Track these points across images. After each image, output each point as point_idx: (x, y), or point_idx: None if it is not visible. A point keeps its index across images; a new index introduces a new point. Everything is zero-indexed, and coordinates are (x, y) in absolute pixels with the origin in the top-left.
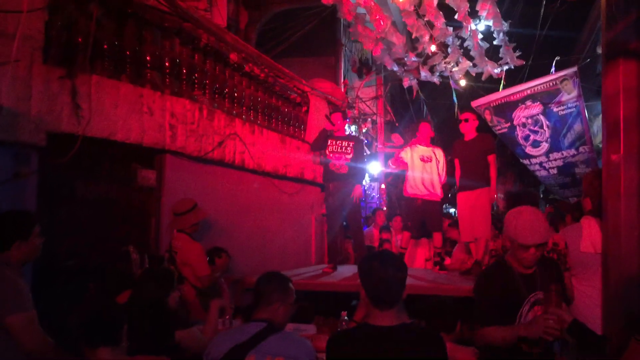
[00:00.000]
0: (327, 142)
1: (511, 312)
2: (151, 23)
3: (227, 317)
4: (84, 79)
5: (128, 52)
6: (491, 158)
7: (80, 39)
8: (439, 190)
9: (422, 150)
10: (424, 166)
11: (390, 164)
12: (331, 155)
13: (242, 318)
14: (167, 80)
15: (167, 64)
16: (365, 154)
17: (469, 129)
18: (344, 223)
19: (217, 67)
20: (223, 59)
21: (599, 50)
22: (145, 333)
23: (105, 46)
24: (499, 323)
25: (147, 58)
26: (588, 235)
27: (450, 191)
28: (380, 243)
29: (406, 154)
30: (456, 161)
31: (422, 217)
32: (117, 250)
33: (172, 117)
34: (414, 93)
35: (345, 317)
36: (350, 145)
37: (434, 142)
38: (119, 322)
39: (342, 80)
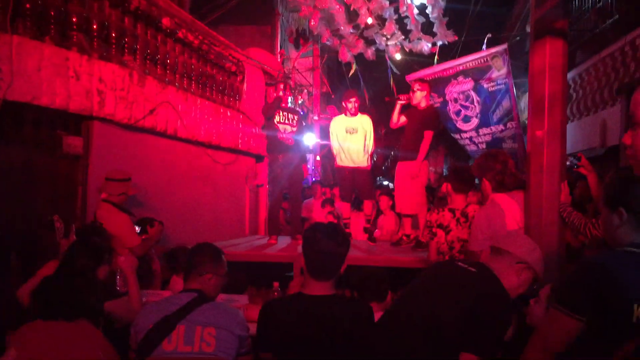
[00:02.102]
0: (275, 112)
1: None
2: None
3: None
4: (4, 40)
5: (52, 13)
6: (427, 133)
7: None
8: (366, 160)
9: (349, 121)
10: (350, 138)
11: None
12: (279, 125)
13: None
14: (95, 43)
15: (95, 26)
16: (303, 127)
17: (418, 99)
18: (283, 194)
19: (148, 31)
20: (155, 24)
21: (528, 29)
22: (72, 304)
23: (27, 5)
24: None
25: (74, 19)
26: (509, 213)
27: (384, 164)
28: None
29: (333, 127)
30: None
31: (352, 186)
32: (40, 219)
33: (101, 83)
34: (352, 70)
35: (278, 288)
36: (295, 118)
37: (365, 110)
38: None
39: (278, 50)
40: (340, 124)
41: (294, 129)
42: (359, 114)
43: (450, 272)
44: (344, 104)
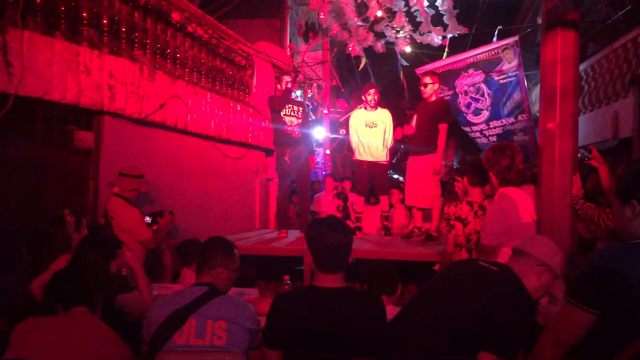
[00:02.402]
0: (284, 105)
1: None
2: None
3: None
4: (15, 35)
5: (63, 8)
6: (442, 126)
7: None
8: (385, 155)
9: (368, 115)
10: (369, 132)
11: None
12: (285, 118)
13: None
14: (105, 38)
15: (105, 21)
16: (309, 119)
17: (428, 93)
18: (292, 188)
19: (158, 26)
20: (165, 18)
21: (539, 20)
22: (84, 298)
23: (38, 1)
24: None
25: (84, 15)
26: (522, 206)
27: (394, 157)
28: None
29: (353, 120)
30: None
31: (370, 181)
32: (52, 214)
33: (111, 77)
34: (361, 63)
35: (288, 281)
36: (301, 110)
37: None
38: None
39: (287, 43)
40: (359, 118)
41: (300, 120)
42: (379, 108)
43: (472, 271)
44: (363, 97)
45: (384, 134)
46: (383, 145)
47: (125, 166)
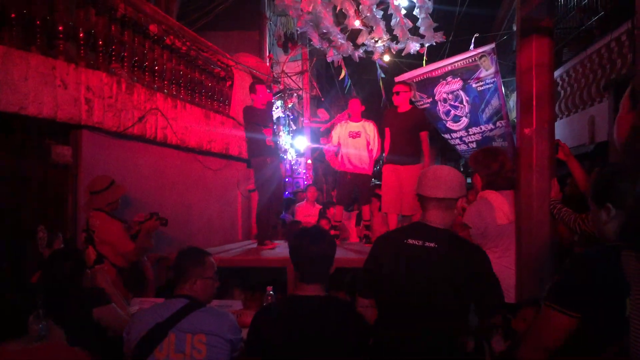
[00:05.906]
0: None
1: None
2: None
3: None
4: None
5: (38, 22)
6: (424, 134)
7: None
8: (368, 165)
9: (352, 126)
10: (352, 142)
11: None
12: (265, 129)
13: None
14: (82, 52)
15: (81, 34)
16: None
17: (401, 101)
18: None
19: (136, 39)
20: (142, 31)
21: (515, 28)
22: (60, 314)
23: (12, 15)
24: None
25: (60, 28)
26: (499, 208)
27: (376, 166)
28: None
29: (337, 131)
30: (387, 130)
31: (353, 191)
32: (30, 229)
33: (88, 91)
34: (342, 73)
35: (271, 292)
36: (273, 120)
37: (363, 116)
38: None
39: (267, 54)
40: (343, 129)
41: (274, 130)
42: (362, 120)
43: (418, 254)
44: (349, 112)
45: (368, 145)
46: (368, 154)
47: (91, 182)
